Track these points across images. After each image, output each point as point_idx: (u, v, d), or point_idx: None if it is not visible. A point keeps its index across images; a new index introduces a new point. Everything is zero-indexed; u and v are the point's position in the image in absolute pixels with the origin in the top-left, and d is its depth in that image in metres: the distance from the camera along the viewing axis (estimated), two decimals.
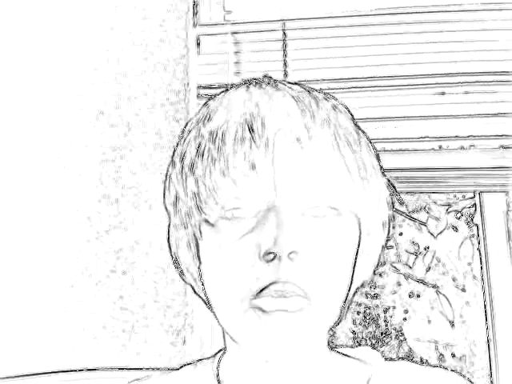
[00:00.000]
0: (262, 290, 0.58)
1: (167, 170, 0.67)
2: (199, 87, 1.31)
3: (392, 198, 0.69)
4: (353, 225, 0.62)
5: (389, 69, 1.25)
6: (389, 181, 0.69)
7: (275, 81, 0.67)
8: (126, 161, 1.28)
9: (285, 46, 1.28)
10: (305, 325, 0.59)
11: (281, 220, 0.58)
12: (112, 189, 1.28)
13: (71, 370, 1.18)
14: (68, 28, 1.29)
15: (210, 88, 1.31)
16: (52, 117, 1.29)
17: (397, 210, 1.19)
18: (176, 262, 0.68)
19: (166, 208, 0.67)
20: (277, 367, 0.64)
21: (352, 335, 1.17)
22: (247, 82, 0.67)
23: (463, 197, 1.14)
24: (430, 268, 1.16)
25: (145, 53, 1.29)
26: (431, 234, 1.17)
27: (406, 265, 1.17)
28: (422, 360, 1.15)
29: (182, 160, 0.66)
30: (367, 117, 1.25)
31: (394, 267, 1.16)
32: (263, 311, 0.58)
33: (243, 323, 0.60)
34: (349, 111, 0.68)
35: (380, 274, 1.15)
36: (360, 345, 1.18)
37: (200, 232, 0.63)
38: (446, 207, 1.14)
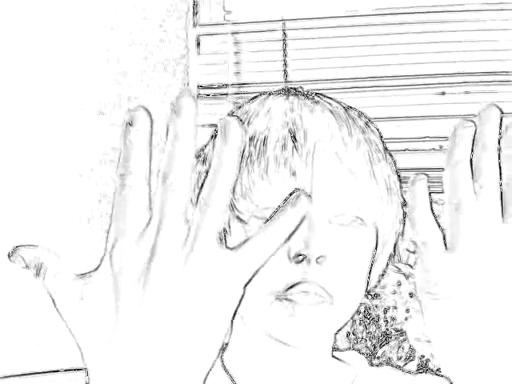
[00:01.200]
0: (288, 289, 0.62)
1: (196, 166, 0.70)
2: (199, 87, 1.31)
3: (404, 216, 0.75)
4: (373, 235, 0.66)
5: (389, 69, 1.25)
6: (404, 201, 0.75)
7: (310, 93, 0.71)
8: None
9: (285, 45, 1.28)
10: (326, 318, 0.63)
11: (312, 224, 0.62)
12: (112, 189, 1.28)
13: (71, 370, 1.18)
14: (68, 28, 1.29)
15: (210, 88, 1.31)
16: (52, 117, 1.29)
17: None
18: None
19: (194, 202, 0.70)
20: (283, 358, 0.67)
21: (353, 336, 1.17)
22: (285, 91, 0.71)
23: None
24: None
25: (145, 53, 1.29)
26: None
27: (407, 264, 1.17)
28: (421, 359, 1.15)
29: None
30: (367, 117, 1.25)
31: (396, 267, 1.16)
32: (289, 301, 0.62)
33: (270, 313, 0.63)
34: (378, 130, 0.74)
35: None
36: (357, 343, 1.18)
37: (229, 227, 0.66)
38: None
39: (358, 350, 0.76)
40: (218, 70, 1.30)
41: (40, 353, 1.24)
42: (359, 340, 1.18)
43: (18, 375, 1.17)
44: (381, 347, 1.17)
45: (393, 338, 1.17)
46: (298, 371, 0.68)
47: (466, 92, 1.21)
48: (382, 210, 0.66)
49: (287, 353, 0.67)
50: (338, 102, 0.72)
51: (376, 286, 0.74)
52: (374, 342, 1.17)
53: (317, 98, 0.69)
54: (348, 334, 1.18)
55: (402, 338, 1.17)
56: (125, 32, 1.30)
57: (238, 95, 1.29)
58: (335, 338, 0.72)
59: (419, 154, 1.21)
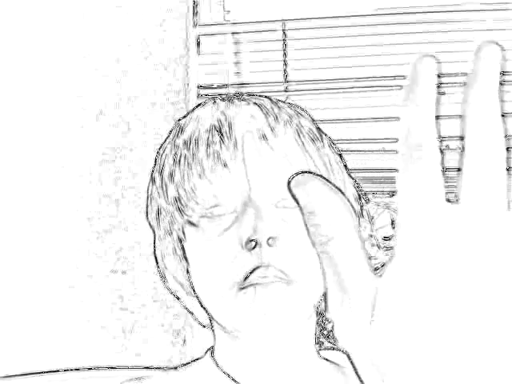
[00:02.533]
0: (246, 278, 0.64)
1: (147, 191, 0.75)
2: (199, 87, 1.31)
3: (359, 197, 0.75)
4: None
5: (389, 69, 1.25)
6: (355, 181, 0.75)
7: (239, 94, 0.74)
8: (126, 161, 1.28)
9: (285, 45, 1.28)
10: (288, 300, 0.65)
11: (258, 210, 0.64)
12: (112, 189, 1.28)
13: (71, 370, 1.18)
14: (68, 28, 1.29)
15: (210, 88, 1.31)
16: (52, 117, 1.29)
17: (396, 211, 1.19)
18: (162, 276, 0.74)
19: (149, 225, 0.74)
20: (270, 352, 0.69)
21: None
22: (213, 99, 0.75)
23: None
24: None
25: (145, 53, 1.29)
26: None
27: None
28: None
29: (161, 173, 0.73)
30: (367, 117, 1.25)
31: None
32: (252, 286, 0.64)
33: (234, 307, 0.65)
34: (310, 115, 0.76)
35: (381, 275, 1.15)
36: None
37: (184, 234, 0.69)
38: None
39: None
40: (218, 69, 1.30)
41: (40, 353, 1.24)
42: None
43: (19, 375, 1.17)
44: None
45: None
46: (284, 369, 0.68)
47: None
48: None
49: (267, 351, 0.68)
50: (266, 97, 0.73)
51: None
52: None
53: (243, 97, 0.72)
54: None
55: None
56: (125, 32, 1.30)
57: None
58: (316, 334, 0.73)
59: None
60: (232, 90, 1.29)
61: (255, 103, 0.70)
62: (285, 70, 1.28)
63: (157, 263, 0.74)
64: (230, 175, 0.65)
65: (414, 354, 0.30)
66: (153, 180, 0.74)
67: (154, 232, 0.74)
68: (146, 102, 1.28)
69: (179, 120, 0.75)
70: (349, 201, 0.34)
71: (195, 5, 1.32)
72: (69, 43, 1.29)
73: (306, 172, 0.34)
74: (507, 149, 0.31)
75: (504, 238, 0.30)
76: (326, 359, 0.73)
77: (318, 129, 0.73)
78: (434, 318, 0.30)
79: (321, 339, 0.74)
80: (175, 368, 0.76)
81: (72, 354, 1.24)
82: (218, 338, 0.72)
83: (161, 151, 0.75)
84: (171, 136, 0.75)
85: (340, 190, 0.32)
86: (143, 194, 1.31)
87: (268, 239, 0.63)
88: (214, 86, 1.30)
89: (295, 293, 0.65)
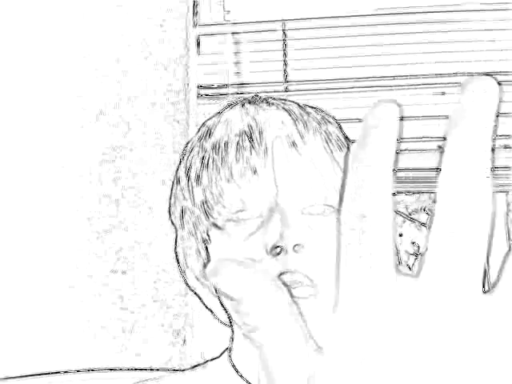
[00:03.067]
0: None
1: (171, 190, 0.75)
2: (199, 87, 1.31)
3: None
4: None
5: (389, 69, 1.25)
6: None
7: (267, 98, 0.74)
8: (126, 161, 1.28)
9: (285, 45, 1.28)
10: (316, 307, 0.65)
11: (284, 217, 0.64)
12: (112, 189, 1.28)
13: (71, 370, 1.18)
14: (68, 28, 1.29)
15: (210, 88, 1.31)
16: (52, 117, 1.29)
17: (397, 211, 1.19)
18: (183, 273, 0.74)
19: (172, 223, 0.75)
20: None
21: None
22: (241, 101, 0.75)
23: None
24: None
25: (145, 53, 1.29)
26: None
27: (407, 266, 1.17)
28: None
29: (187, 175, 0.73)
30: None
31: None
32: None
33: None
34: (336, 122, 0.76)
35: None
36: None
37: (208, 236, 0.70)
38: None
39: None
40: (218, 69, 1.30)
41: (40, 353, 1.24)
42: None
43: (18, 376, 1.17)
44: None
45: None
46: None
47: None
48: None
49: None
50: (293, 102, 0.74)
51: None
52: None
53: (271, 101, 0.73)
54: None
55: None
56: (125, 32, 1.30)
57: (238, 95, 1.29)
58: None
59: (419, 154, 1.21)
60: (232, 90, 1.29)
61: (284, 108, 0.70)
62: (285, 70, 1.28)
63: (177, 261, 0.74)
64: (258, 181, 0.66)
65: None
66: (178, 180, 0.74)
67: (176, 231, 0.74)
68: (146, 101, 1.28)
69: (206, 121, 0.75)
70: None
71: (195, 5, 1.32)
72: (69, 43, 1.29)
73: (222, 259, 0.30)
74: (506, 147, 0.27)
75: (470, 328, 0.25)
76: None
77: (345, 136, 0.74)
78: None
79: None
80: (193, 368, 0.77)
81: (72, 354, 1.24)
82: (237, 339, 0.72)
83: (187, 152, 0.75)
84: (199, 135, 0.75)
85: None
86: (143, 194, 1.31)
87: (294, 246, 0.63)
88: (214, 86, 1.31)
89: (320, 300, 0.64)
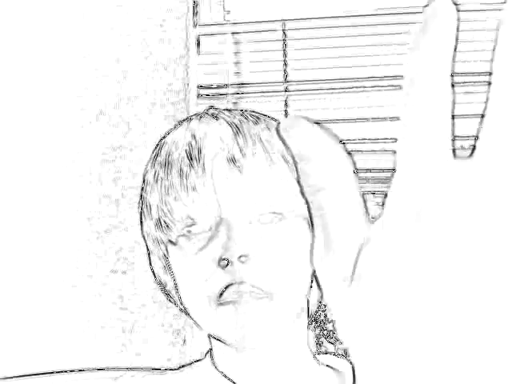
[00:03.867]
0: (221, 295, 0.67)
1: (138, 204, 0.78)
2: (199, 87, 1.31)
3: None
4: (300, 225, 0.69)
5: (389, 69, 1.25)
6: None
7: (218, 111, 0.76)
8: (126, 161, 1.28)
9: (285, 45, 1.28)
10: (268, 314, 0.67)
11: (230, 230, 0.67)
12: (112, 189, 1.28)
13: (71, 370, 1.18)
14: (68, 28, 1.29)
15: (210, 88, 1.31)
16: (52, 117, 1.29)
17: None
18: (160, 285, 0.78)
19: (143, 237, 0.78)
20: (261, 356, 0.71)
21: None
22: (191, 117, 0.77)
23: None
24: None
25: (145, 53, 1.29)
26: None
27: None
28: None
29: (145, 192, 0.77)
30: (367, 117, 1.25)
31: None
32: (231, 303, 0.67)
33: (217, 321, 0.68)
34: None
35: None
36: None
37: (167, 252, 0.73)
38: None
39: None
40: (218, 69, 1.30)
41: (40, 353, 1.24)
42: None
43: (18, 376, 1.17)
44: None
45: None
46: (280, 372, 0.71)
47: (466, 92, 1.21)
48: (298, 200, 0.68)
49: (258, 356, 0.71)
50: (242, 111, 0.75)
51: None
52: None
53: (220, 115, 0.74)
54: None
55: None
56: (125, 32, 1.30)
57: (237, 95, 1.29)
58: (316, 333, 0.75)
59: None
60: (232, 90, 1.29)
61: (227, 122, 0.72)
62: (285, 70, 1.28)
63: (153, 273, 0.78)
64: (200, 199, 0.68)
65: (387, 326, 0.28)
66: (141, 197, 0.77)
67: (146, 245, 0.78)
68: (146, 101, 1.28)
69: (165, 134, 0.77)
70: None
71: (195, 5, 1.32)
72: (69, 43, 1.29)
73: (295, 116, 0.31)
74: None
75: None
76: (328, 365, 0.74)
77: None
78: (412, 292, 0.27)
79: (321, 339, 0.75)
80: (180, 367, 0.79)
81: (72, 353, 1.24)
82: (213, 343, 0.75)
83: (146, 169, 0.79)
84: (153, 154, 0.78)
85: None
86: None
87: (239, 257, 0.65)
88: (214, 86, 1.31)
89: (274, 307, 0.66)
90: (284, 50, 1.28)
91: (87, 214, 1.27)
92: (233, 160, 0.68)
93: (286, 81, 1.29)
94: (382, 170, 1.23)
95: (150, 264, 0.79)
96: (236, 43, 1.30)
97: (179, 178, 0.70)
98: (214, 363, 0.75)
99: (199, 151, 0.70)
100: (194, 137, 0.72)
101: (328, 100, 1.27)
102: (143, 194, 0.77)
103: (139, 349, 1.25)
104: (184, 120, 0.77)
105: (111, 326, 1.25)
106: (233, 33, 1.30)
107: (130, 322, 1.26)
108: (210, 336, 0.75)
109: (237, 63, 1.30)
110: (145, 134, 1.28)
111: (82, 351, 1.24)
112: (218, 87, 1.30)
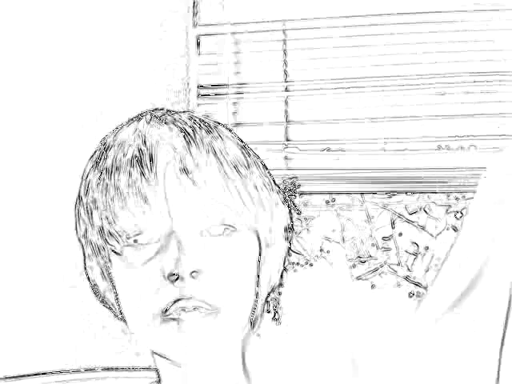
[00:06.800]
0: (167, 310, 0.65)
1: (75, 205, 0.75)
2: (199, 87, 1.31)
3: (290, 212, 0.76)
4: (251, 238, 0.68)
5: (389, 69, 1.25)
6: (285, 197, 0.76)
7: (165, 114, 0.72)
8: None
9: (285, 45, 1.28)
10: (213, 330, 0.65)
11: (180, 243, 0.64)
12: None
13: (71, 370, 1.18)
14: (68, 28, 1.29)
15: (210, 88, 1.31)
16: (52, 117, 1.29)
17: (396, 213, 1.19)
18: (95, 289, 0.75)
19: (78, 240, 0.75)
20: (198, 369, 0.70)
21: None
22: (138, 117, 0.73)
23: (463, 197, 1.14)
24: (429, 269, 1.16)
25: (145, 53, 1.29)
26: (430, 235, 1.17)
27: (406, 266, 1.17)
28: None
29: (86, 195, 0.73)
30: (367, 117, 1.25)
31: (392, 269, 1.16)
32: (174, 319, 0.64)
33: (159, 337, 0.66)
34: (238, 137, 0.74)
35: (380, 274, 1.15)
36: None
37: (110, 261, 0.70)
38: (446, 207, 1.14)
39: None
40: (218, 69, 1.30)
41: (40, 353, 1.24)
42: None
43: (18, 376, 1.17)
44: None
45: None
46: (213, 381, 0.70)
47: (466, 92, 1.21)
48: (251, 213, 0.67)
49: (195, 369, 0.69)
50: (191, 117, 0.71)
51: (281, 285, 0.75)
52: None
53: (169, 119, 0.70)
54: None
55: None
56: (125, 32, 1.30)
57: (238, 95, 1.29)
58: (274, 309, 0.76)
59: (419, 154, 1.21)
60: (232, 90, 1.29)
61: (179, 128, 0.69)
62: (285, 70, 1.28)
63: (87, 277, 0.74)
64: (151, 210, 0.65)
65: None
66: (79, 198, 0.74)
67: (82, 247, 0.74)
68: (146, 102, 1.28)
69: (106, 136, 0.74)
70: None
71: (195, 5, 1.32)
72: (69, 43, 1.29)
73: None
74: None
75: None
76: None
77: (246, 151, 0.71)
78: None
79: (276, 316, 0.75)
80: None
81: (72, 353, 1.24)
82: (155, 357, 0.74)
83: (85, 170, 0.74)
84: (97, 154, 0.73)
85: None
86: None
87: (191, 273, 0.63)
88: (214, 86, 1.31)
89: (220, 323, 0.65)
90: (284, 50, 1.28)
91: None
92: (185, 170, 0.65)
93: (285, 81, 1.29)
94: (382, 170, 1.23)
95: (85, 269, 0.75)
96: (236, 43, 1.30)
97: (127, 185, 0.66)
98: (159, 376, 0.74)
99: (150, 159, 0.66)
100: (144, 142, 0.68)
101: (328, 100, 1.27)
102: (82, 195, 0.73)
103: (139, 349, 1.25)
104: (129, 121, 0.74)
105: (111, 326, 1.25)
106: (233, 33, 1.30)
107: None
108: (153, 352, 0.73)
109: (237, 63, 1.30)
110: None
111: (82, 351, 1.24)
112: (218, 87, 1.30)
